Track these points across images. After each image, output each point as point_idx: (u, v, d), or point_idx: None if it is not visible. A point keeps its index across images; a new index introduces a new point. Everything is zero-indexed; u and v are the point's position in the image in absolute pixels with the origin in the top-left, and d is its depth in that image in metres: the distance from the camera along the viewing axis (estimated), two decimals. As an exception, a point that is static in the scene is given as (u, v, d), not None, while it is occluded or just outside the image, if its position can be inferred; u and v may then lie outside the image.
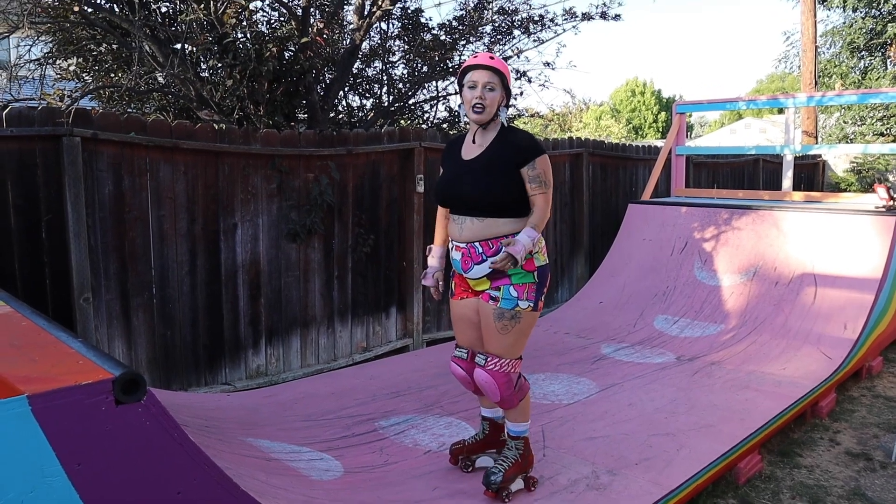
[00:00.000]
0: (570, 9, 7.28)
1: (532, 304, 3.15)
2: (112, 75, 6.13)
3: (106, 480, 1.74)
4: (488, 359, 3.17)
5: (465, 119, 3.16)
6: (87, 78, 6.24)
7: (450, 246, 3.32)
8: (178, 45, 5.54)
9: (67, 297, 4.30)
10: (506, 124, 3.22)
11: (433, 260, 3.49)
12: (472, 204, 3.12)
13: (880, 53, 18.10)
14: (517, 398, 3.23)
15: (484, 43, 7.49)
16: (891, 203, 6.18)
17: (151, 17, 5.44)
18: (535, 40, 7.54)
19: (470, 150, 3.25)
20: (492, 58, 3.14)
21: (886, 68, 17.69)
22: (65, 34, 5.81)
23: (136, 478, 1.79)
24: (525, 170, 3.11)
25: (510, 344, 3.16)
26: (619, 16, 7.40)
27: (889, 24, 16.97)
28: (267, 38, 5.55)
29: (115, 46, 5.95)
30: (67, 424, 1.67)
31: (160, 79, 5.94)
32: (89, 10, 5.30)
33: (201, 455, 1.88)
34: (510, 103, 3.25)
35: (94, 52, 6.16)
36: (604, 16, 7.34)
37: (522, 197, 3.13)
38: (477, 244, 3.14)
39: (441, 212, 3.51)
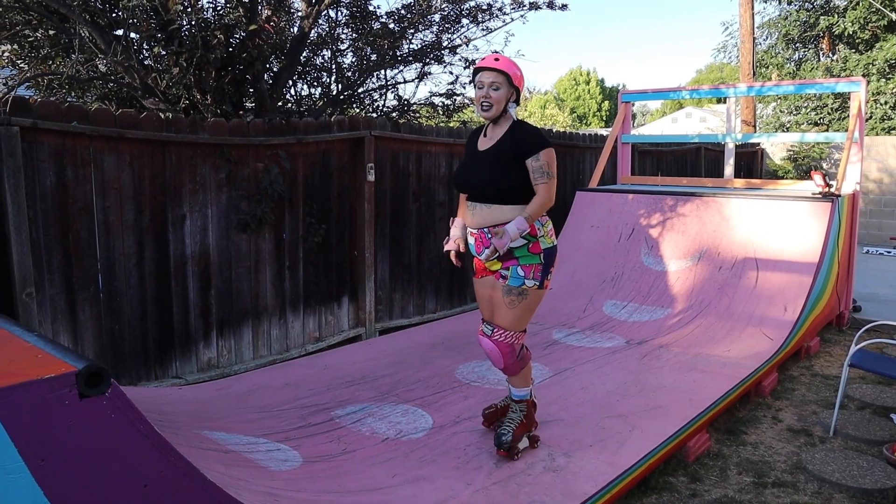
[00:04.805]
0: (518, -3, 7.33)
1: (538, 283, 3.46)
2: (50, 63, 5.91)
3: (71, 475, 1.70)
4: (494, 330, 3.51)
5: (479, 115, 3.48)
6: (23, 65, 6.01)
7: (467, 231, 3.62)
8: (121, 32, 5.38)
9: (9, 293, 4.15)
10: (515, 118, 3.51)
11: (455, 229, 3.72)
12: (479, 191, 3.45)
13: (813, 45, 18.70)
14: (519, 367, 3.57)
15: (433, 31, 7.48)
16: (827, 189, 6.41)
17: (91, 1, 5.26)
18: (483, 29, 7.57)
19: (483, 143, 3.57)
20: (497, 59, 3.41)
21: (819, 60, 18.28)
22: (-3, 19, 5.58)
23: (102, 472, 1.75)
24: (530, 161, 3.39)
25: (516, 317, 3.48)
26: (565, 5, 7.47)
27: (821, 17, 17.54)
28: (214, 25, 5.43)
29: (52, 32, 5.74)
30: (30, 420, 1.62)
31: (102, 67, 5.76)
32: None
33: (168, 447, 1.85)
34: (519, 99, 3.52)
35: (31, 38, 5.92)
36: (551, 5, 7.40)
37: (527, 186, 3.40)
38: (486, 230, 3.45)
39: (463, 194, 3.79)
